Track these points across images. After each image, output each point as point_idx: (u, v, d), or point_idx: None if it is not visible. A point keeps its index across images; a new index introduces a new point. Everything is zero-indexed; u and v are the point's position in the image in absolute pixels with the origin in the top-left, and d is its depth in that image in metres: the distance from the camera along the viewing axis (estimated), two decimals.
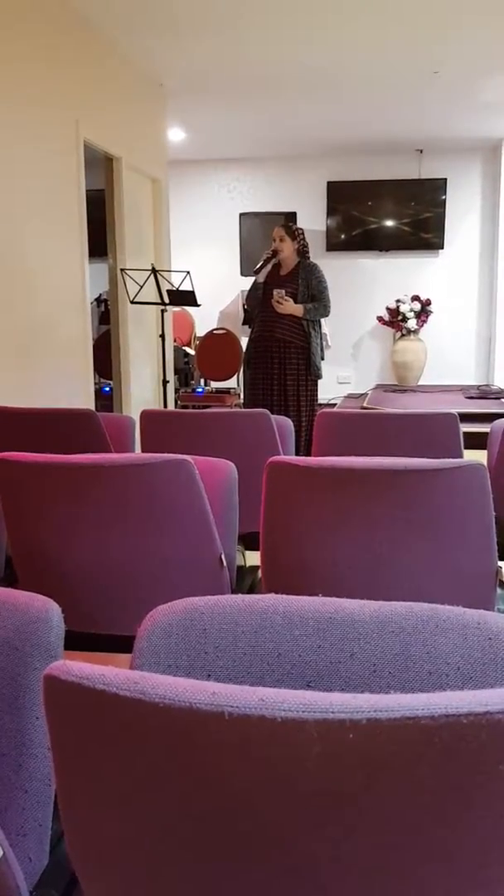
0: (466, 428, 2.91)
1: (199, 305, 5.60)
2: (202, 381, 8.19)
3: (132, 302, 5.27)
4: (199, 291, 5.56)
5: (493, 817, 0.64)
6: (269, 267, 5.00)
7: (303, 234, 5.04)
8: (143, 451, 2.95)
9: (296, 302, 4.89)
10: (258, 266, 5.03)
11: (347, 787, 0.63)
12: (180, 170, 8.33)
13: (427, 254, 8.63)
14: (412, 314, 8.44)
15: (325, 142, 7.98)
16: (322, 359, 5.07)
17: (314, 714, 0.60)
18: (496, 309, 8.44)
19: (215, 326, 7.82)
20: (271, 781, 0.64)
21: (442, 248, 8.55)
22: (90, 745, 0.71)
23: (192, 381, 8.25)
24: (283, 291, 4.87)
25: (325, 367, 5.18)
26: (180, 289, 5.41)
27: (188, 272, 5.39)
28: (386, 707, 0.60)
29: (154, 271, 5.38)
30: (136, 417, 3.01)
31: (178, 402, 7.46)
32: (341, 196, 8.56)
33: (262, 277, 5.00)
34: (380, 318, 8.64)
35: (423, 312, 8.49)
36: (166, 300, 5.47)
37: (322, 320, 5.07)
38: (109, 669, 0.68)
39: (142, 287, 5.26)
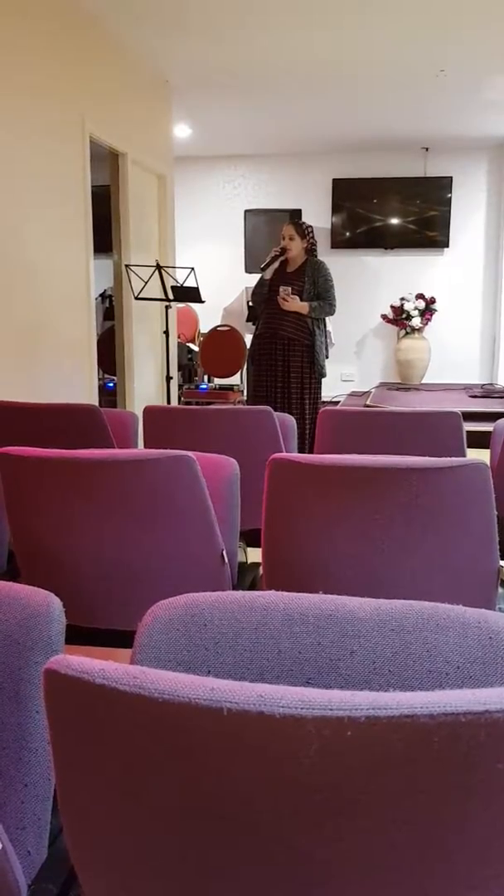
0: (470, 427, 2.91)
1: (203, 302, 5.59)
2: (205, 377, 8.19)
3: (136, 298, 5.27)
4: (203, 288, 5.55)
5: (490, 816, 0.64)
6: (276, 264, 4.99)
7: (312, 232, 5.02)
8: (145, 447, 2.95)
9: (301, 299, 4.88)
10: (266, 263, 5.01)
11: (345, 784, 0.63)
12: (186, 166, 8.32)
13: (432, 252, 8.62)
14: (416, 312, 8.42)
15: (330, 139, 7.97)
16: (326, 357, 5.06)
17: (313, 711, 0.60)
18: (501, 308, 8.43)
19: (219, 323, 7.81)
20: (270, 778, 0.64)
21: (447, 246, 8.54)
22: (90, 740, 0.71)
23: (196, 378, 8.25)
24: (290, 289, 4.86)
25: (329, 365, 5.17)
26: (185, 285, 5.40)
27: (193, 268, 5.38)
28: (385, 705, 0.60)
29: (159, 267, 5.37)
30: (140, 413, 3.01)
31: (182, 398, 7.45)
32: (346, 193, 8.55)
33: (268, 274, 4.99)
34: (384, 316, 8.63)
35: (428, 311, 8.48)
36: (170, 296, 5.47)
37: (326, 318, 5.06)
38: (109, 664, 0.68)
39: (146, 283, 5.26)
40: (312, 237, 5.00)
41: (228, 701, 0.62)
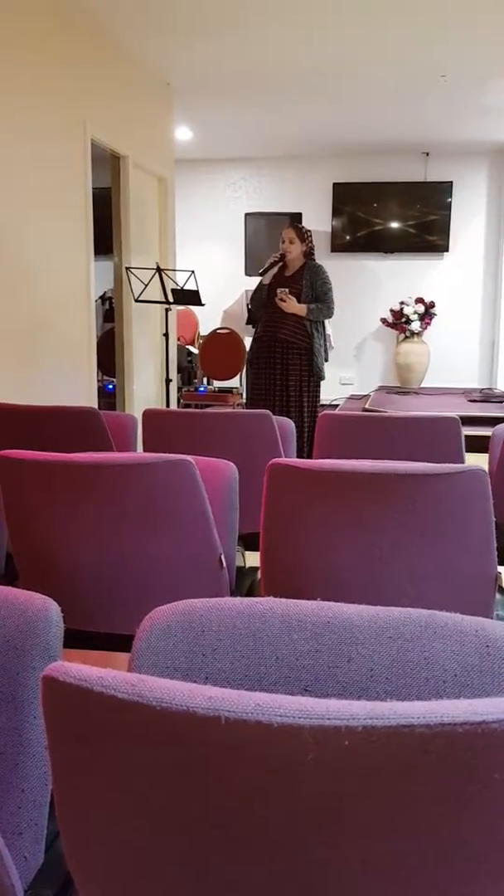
0: (468, 431, 2.91)
1: (203, 305, 5.60)
2: (205, 380, 8.19)
3: (137, 300, 5.27)
4: (203, 291, 5.56)
5: (487, 825, 0.64)
6: (275, 269, 4.99)
7: (311, 235, 5.03)
8: (144, 449, 2.96)
9: (299, 302, 4.88)
10: (264, 268, 5.02)
11: (343, 793, 0.63)
12: (186, 169, 8.32)
13: (432, 256, 8.63)
14: (416, 316, 8.43)
15: (331, 143, 7.98)
16: (326, 360, 5.06)
17: (310, 720, 0.61)
18: (500, 312, 8.44)
19: (219, 326, 7.81)
20: (267, 786, 0.64)
21: (447, 250, 8.55)
22: (87, 747, 0.71)
23: (195, 380, 8.25)
24: (288, 290, 4.86)
25: (328, 368, 5.17)
26: (185, 288, 5.41)
27: (193, 271, 5.39)
28: (382, 714, 0.60)
29: (159, 270, 5.38)
30: (139, 416, 3.01)
31: (181, 400, 7.45)
32: (347, 197, 8.56)
33: (267, 279, 5.00)
34: (383, 320, 8.64)
35: (427, 315, 8.49)
36: (171, 299, 5.47)
37: (326, 321, 5.07)
38: (108, 672, 0.68)
39: (146, 285, 5.26)
40: (311, 241, 5.01)
41: (226, 710, 0.62)
